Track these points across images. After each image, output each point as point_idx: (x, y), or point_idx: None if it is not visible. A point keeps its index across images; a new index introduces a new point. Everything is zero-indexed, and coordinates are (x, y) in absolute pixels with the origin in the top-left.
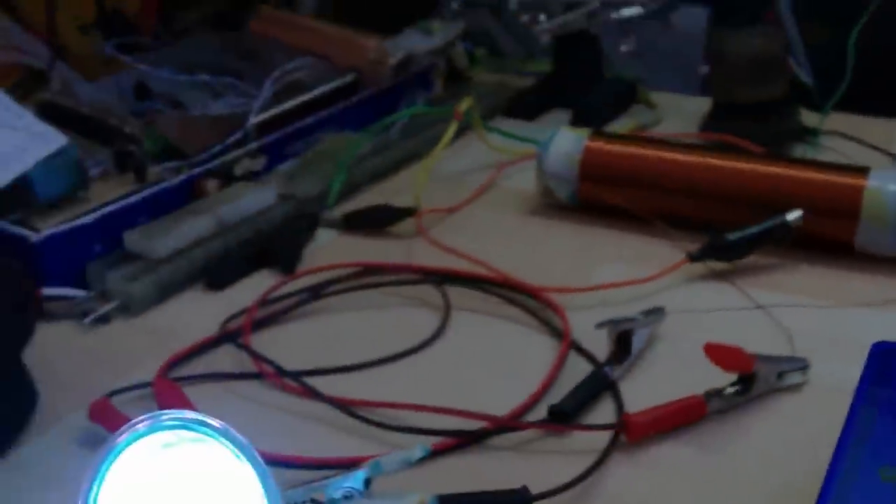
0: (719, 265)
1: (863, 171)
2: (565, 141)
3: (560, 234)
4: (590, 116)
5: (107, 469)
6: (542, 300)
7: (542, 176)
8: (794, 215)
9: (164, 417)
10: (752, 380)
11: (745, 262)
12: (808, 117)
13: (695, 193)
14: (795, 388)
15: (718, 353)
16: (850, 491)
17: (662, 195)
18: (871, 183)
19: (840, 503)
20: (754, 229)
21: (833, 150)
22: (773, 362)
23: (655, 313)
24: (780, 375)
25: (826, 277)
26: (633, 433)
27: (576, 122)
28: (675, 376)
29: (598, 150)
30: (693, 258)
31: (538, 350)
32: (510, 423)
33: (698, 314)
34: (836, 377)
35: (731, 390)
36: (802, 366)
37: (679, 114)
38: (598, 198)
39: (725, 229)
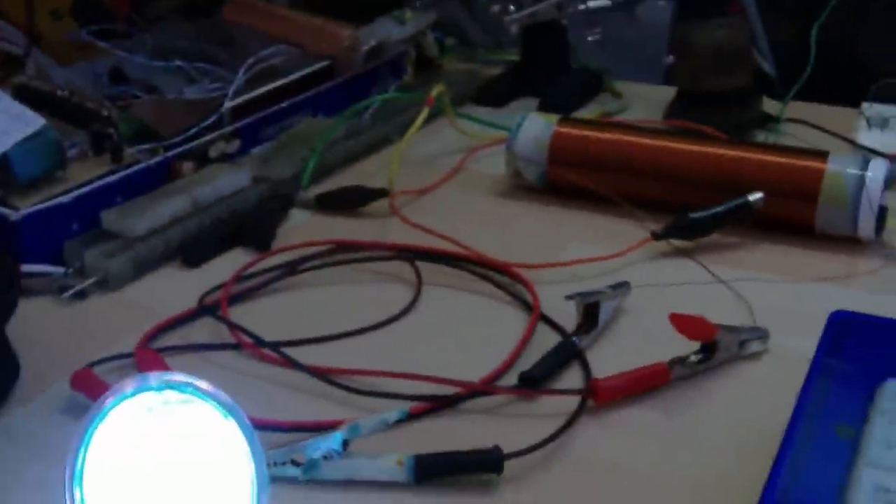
0: (683, 243)
1: (823, 155)
2: (535, 125)
3: (529, 215)
4: (557, 104)
5: (94, 430)
6: (511, 275)
7: (512, 159)
8: (755, 197)
9: (151, 379)
10: (714, 348)
11: (707, 241)
12: (771, 106)
13: (660, 176)
14: (756, 356)
15: (682, 322)
16: (808, 447)
17: (629, 178)
18: (831, 167)
19: (799, 458)
20: (717, 209)
21: (794, 136)
22: (735, 332)
23: (621, 287)
24: (742, 344)
25: (786, 255)
26: (600, 397)
27: (543, 109)
28: (640, 346)
29: (566, 134)
30: (657, 236)
31: (508, 322)
32: (482, 389)
33: (662, 288)
34: (795, 346)
35: (694, 358)
36: (762, 335)
37: (643, 102)
38: (567, 180)
39: (690, 211)
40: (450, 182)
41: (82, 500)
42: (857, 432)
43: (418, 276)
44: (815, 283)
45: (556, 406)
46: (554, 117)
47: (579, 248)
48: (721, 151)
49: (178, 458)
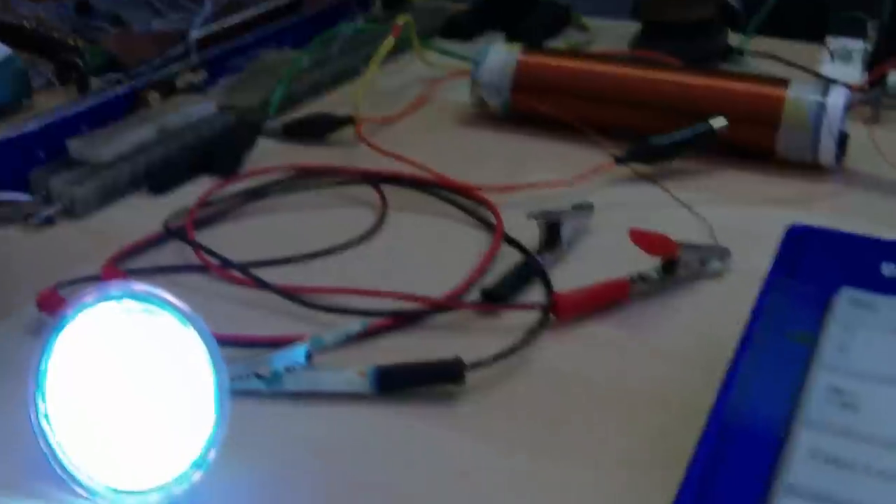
0: (645, 168)
1: (784, 82)
2: (499, 54)
3: (494, 142)
4: (523, 38)
5: (54, 341)
6: (475, 198)
7: (477, 87)
8: (718, 122)
9: (111, 289)
10: (675, 265)
11: (670, 167)
12: (735, 39)
13: (623, 103)
14: (716, 274)
15: (643, 238)
16: (763, 352)
17: (592, 105)
18: (792, 93)
19: (753, 363)
20: (679, 134)
21: (758, 69)
22: (696, 250)
23: (584, 207)
24: (703, 262)
25: (748, 180)
26: (562, 311)
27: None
28: (602, 266)
29: (529, 63)
30: (620, 160)
31: (473, 243)
32: (445, 304)
33: (624, 210)
34: (755, 265)
35: (655, 275)
36: (723, 254)
37: (610, 36)
38: (530, 108)
39: (653, 137)
40: (416, 112)
41: (46, 411)
42: (811, 338)
43: (383, 199)
44: (775, 206)
45: (518, 322)
46: (517, 46)
47: (544, 174)
48: (683, 78)
49: (140, 368)
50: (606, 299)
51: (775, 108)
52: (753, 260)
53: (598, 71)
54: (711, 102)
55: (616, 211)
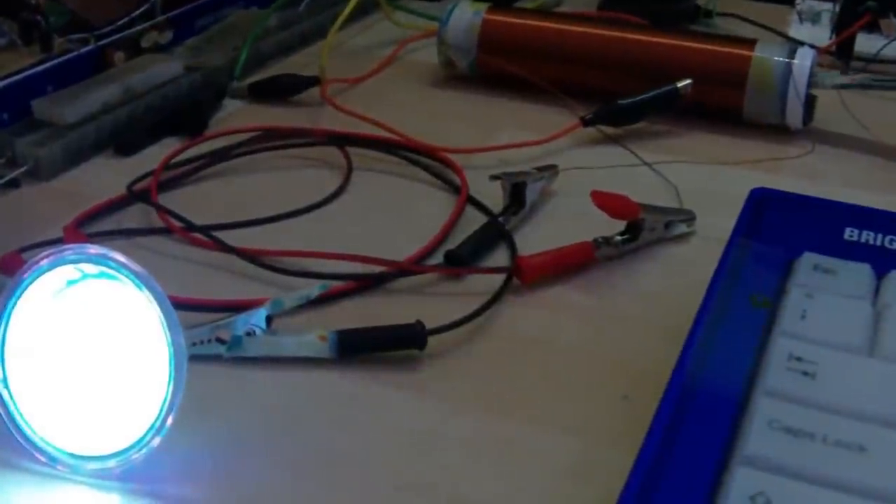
0: (612, 130)
1: (751, 43)
2: (464, 13)
3: (461, 103)
4: None
5: (12, 306)
6: (440, 160)
7: (443, 47)
8: (683, 83)
9: (67, 252)
10: (639, 228)
11: (636, 128)
12: (703, 0)
13: (589, 63)
14: (682, 238)
15: (605, 200)
16: (724, 315)
17: (558, 65)
18: (758, 53)
19: (714, 326)
20: (645, 95)
21: (726, 30)
22: (661, 212)
23: (548, 169)
24: (668, 225)
25: (715, 142)
26: (526, 275)
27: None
28: (568, 228)
29: (495, 22)
30: (586, 122)
31: (437, 205)
32: (408, 267)
33: (590, 172)
34: (721, 228)
35: (619, 238)
36: (689, 217)
37: None
38: (497, 68)
39: (620, 98)
40: (383, 73)
41: (5, 377)
42: (772, 303)
43: (348, 161)
44: (742, 168)
45: (481, 286)
46: (483, 5)
47: (510, 135)
48: (649, 38)
49: (97, 332)
50: (570, 262)
51: (741, 68)
52: (720, 223)
53: (563, 31)
54: (678, 63)
55: (582, 173)
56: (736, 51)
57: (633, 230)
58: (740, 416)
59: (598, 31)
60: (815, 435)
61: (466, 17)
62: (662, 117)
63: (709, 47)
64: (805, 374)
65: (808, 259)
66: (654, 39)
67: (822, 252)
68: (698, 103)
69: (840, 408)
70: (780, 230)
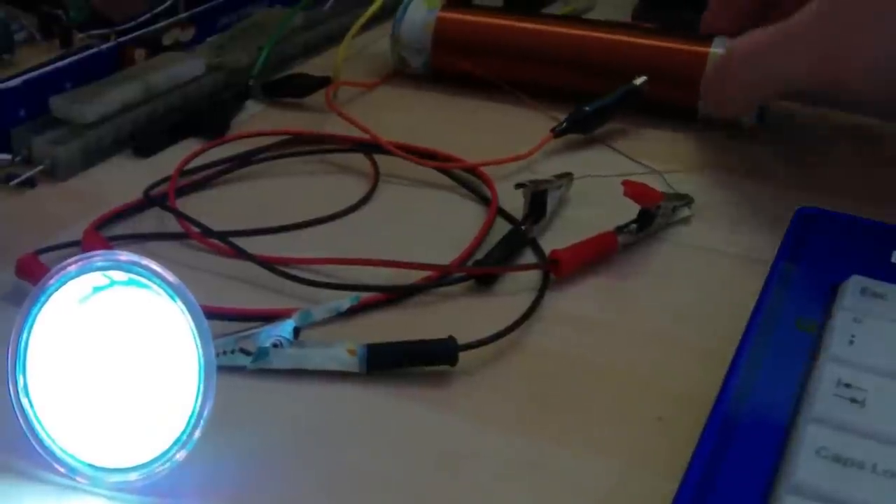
0: (580, 136)
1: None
2: (418, 10)
3: (489, 111)
4: (521, 2)
5: (37, 312)
6: (474, 172)
7: (397, 45)
8: (640, 80)
9: (96, 258)
10: (654, 214)
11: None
12: None
13: (546, 60)
14: (686, 220)
15: (634, 188)
16: (769, 338)
17: (514, 63)
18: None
19: (760, 349)
20: (608, 98)
21: None
22: (668, 199)
23: (565, 177)
24: (674, 210)
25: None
26: (563, 267)
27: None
28: (586, 232)
29: (449, 18)
30: (557, 133)
31: (465, 216)
32: (446, 269)
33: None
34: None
35: (633, 226)
36: (688, 201)
37: (612, 2)
38: (451, 66)
39: (577, 96)
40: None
41: (26, 386)
42: (818, 327)
43: (375, 169)
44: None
45: (510, 300)
46: (438, 2)
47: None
48: (605, 36)
49: (124, 341)
50: (599, 252)
51: (698, 65)
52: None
53: (518, 28)
54: (636, 61)
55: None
56: (693, 48)
57: (645, 217)
58: (786, 444)
59: (549, 27)
60: (865, 464)
61: (420, 14)
62: (622, 115)
63: (667, 45)
64: (853, 401)
65: (856, 282)
66: (610, 37)
67: (869, 275)
68: (657, 100)
69: (890, 436)
70: (827, 251)
